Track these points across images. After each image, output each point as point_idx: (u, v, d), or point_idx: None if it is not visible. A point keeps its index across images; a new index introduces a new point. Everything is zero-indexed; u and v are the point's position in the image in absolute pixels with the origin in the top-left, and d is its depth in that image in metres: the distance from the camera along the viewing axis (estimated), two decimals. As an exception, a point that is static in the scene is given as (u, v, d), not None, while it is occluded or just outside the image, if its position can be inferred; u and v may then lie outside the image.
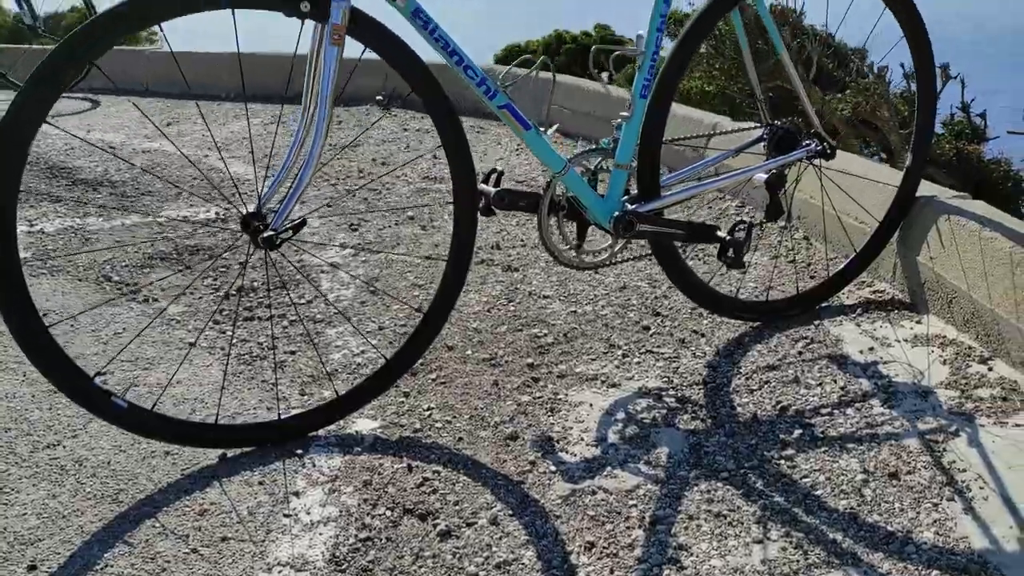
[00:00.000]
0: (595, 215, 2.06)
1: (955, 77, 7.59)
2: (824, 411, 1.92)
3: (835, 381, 2.04)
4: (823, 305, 2.44)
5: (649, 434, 1.88)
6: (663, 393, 2.04)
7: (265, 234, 1.69)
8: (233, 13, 1.63)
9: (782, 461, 1.75)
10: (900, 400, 1.94)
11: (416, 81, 1.80)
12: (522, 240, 3.06)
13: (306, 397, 2.08)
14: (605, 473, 1.75)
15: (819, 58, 7.16)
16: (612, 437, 1.88)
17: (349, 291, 2.68)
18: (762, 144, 2.31)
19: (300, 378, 2.17)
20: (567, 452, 1.83)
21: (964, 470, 1.68)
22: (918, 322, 2.29)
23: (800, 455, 1.77)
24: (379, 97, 5.41)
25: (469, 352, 2.28)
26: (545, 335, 2.37)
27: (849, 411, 1.92)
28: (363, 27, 1.71)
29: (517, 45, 11.70)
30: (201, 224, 3.32)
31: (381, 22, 1.74)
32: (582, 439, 1.87)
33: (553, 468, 1.78)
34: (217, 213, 3.45)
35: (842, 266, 2.46)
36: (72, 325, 2.44)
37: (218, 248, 3.04)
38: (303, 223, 1.74)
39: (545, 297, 2.60)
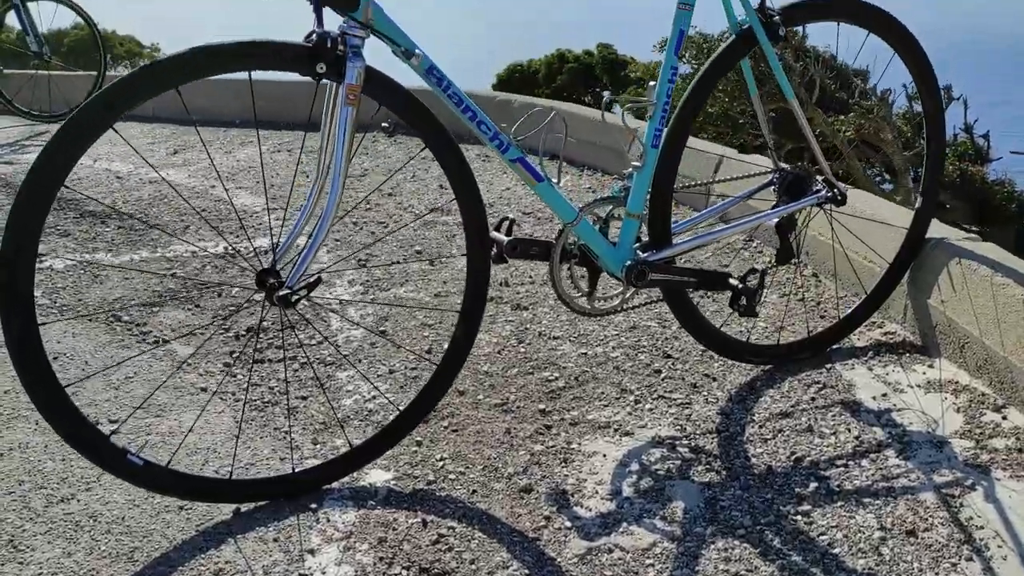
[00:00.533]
0: (607, 264, 2.07)
1: (958, 98, 7.62)
2: (839, 462, 1.92)
3: (849, 430, 2.04)
4: (834, 347, 2.43)
5: (664, 487, 1.87)
6: (676, 442, 2.04)
7: (280, 293, 1.69)
8: (250, 76, 1.64)
9: (799, 517, 1.75)
10: (915, 451, 1.94)
11: (429, 136, 1.81)
12: (530, 277, 3.06)
13: (319, 446, 2.07)
14: (621, 529, 1.75)
15: (822, 80, 7.18)
16: (627, 490, 1.87)
17: (358, 331, 2.68)
18: (772, 188, 2.31)
19: (312, 425, 2.17)
20: (582, 506, 1.83)
21: (982, 527, 1.67)
22: (930, 366, 2.29)
23: (816, 510, 1.77)
24: (385, 124, 5.43)
25: (480, 397, 2.28)
26: (556, 378, 2.37)
27: (864, 462, 1.91)
28: (376, 84, 1.72)
29: (519, 65, 11.77)
30: (210, 260, 3.33)
31: (393, 79, 1.75)
32: (597, 492, 1.87)
33: (568, 524, 1.77)
34: (225, 248, 3.45)
35: (852, 309, 2.46)
36: (83, 369, 2.44)
37: (229, 288, 3.04)
38: (318, 280, 1.74)
39: (555, 338, 2.60)
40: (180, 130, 5.85)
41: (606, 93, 2.19)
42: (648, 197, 2.07)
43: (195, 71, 1.58)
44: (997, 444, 1.92)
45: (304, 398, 2.29)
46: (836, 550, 1.65)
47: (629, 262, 2.05)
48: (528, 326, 2.68)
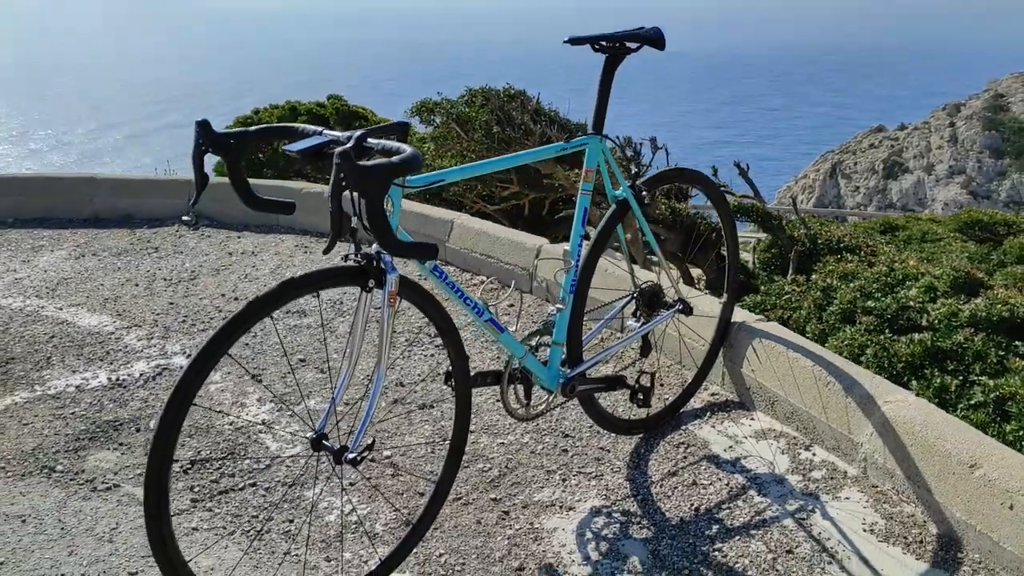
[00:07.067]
0: (544, 382, 2.72)
1: (662, 147, 9.08)
2: (724, 506, 2.72)
3: (720, 479, 2.86)
4: (682, 411, 3.27)
5: (618, 547, 2.56)
6: (609, 510, 2.74)
7: (350, 456, 2.15)
8: (318, 295, 2.09)
9: (716, 553, 2.52)
10: (768, 488, 2.80)
11: (439, 323, 2.35)
12: (425, 373, 3.61)
13: (333, 562, 2.51)
14: (606, 587, 2.41)
15: (557, 137, 8.27)
16: (593, 554, 2.54)
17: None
18: (634, 300, 3.09)
19: (324, 538, 2.59)
20: (569, 574, 2.46)
21: (828, 539, 2.55)
22: (752, 419, 3.20)
23: (725, 545, 2.55)
24: (185, 217, 5.58)
25: (440, 495, 2.81)
26: (490, 468, 2.97)
27: (740, 503, 2.73)
28: (402, 286, 2.24)
29: (248, 117, 11.84)
30: (105, 390, 3.48)
31: (415, 281, 2.27)
32: (573, 560, 2.51)
33: (567, 590, 2.40)
34: (110, 379, 3.61)
35: (688, 381, 3.32)
36: (60, 530, 2.63)
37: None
38: (373, 443, 2.22)
39: (470, 431, 3.18)
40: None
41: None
42: (568, 329, 2.75)
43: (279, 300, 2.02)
44: (816, 475, 2.84)
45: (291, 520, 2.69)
46: (750, 572, 2.44)
47: (562, 380, 2.72)
48: (442, 424, 3.25)
